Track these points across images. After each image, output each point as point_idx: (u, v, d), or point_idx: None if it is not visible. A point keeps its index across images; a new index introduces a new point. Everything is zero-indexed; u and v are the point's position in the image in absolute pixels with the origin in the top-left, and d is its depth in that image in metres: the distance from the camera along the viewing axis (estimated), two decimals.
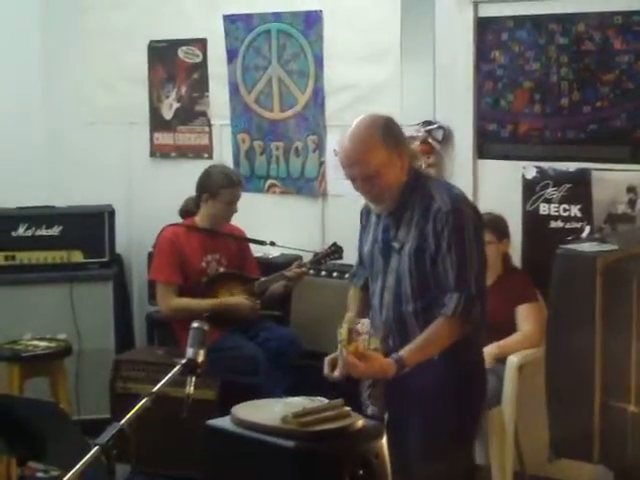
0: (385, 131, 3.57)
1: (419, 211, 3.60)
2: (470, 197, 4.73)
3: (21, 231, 6.30)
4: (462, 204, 3.60)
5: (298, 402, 3.44)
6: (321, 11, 6.01)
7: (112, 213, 6.39)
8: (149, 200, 6.72)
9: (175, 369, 3.18)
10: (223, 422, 3.43)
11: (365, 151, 3.54)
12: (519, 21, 5.42)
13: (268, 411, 3.40)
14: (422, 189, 3.63)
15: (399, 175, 3.61)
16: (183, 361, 3.19)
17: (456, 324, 3.54)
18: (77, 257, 6.32)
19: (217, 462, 3.48)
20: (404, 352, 3.50)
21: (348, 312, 3.86)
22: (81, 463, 2.79)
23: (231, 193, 5.53)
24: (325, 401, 3.45)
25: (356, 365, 3.44)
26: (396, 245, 3.65)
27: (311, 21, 6.05)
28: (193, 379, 3.19)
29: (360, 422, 3.35)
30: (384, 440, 3.38)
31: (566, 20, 5.27)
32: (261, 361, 5.34)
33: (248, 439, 3.31)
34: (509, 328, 5.10)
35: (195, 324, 3.31)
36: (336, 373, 3.53)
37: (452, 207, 3.54)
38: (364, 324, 3.44)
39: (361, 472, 3.23)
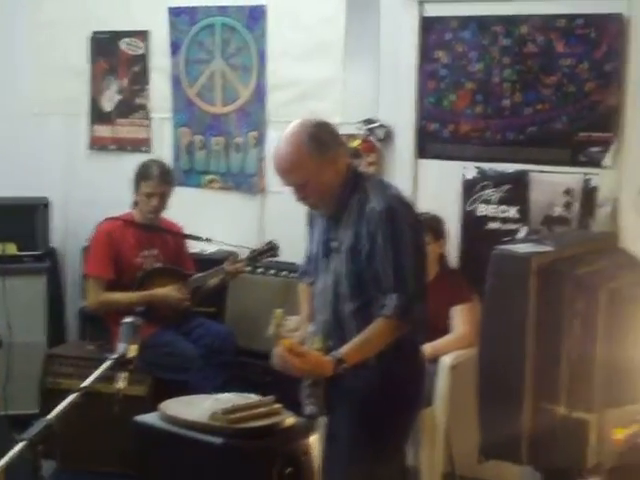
0: (313, 139, 3.56)
1: (356, 211, 3.60)
2: (410, 196, 4.74)
3: None
4: (396, 203, 3.58)
5: (228, 398, 3.43)
6: (265, 6, 5.98)
7: (47, 206, 6.30)
8: (86, 193, 6.63)
9: (106, 364, 3.15)
10: (151, 418, 3.41)
11: (293, 162, 3.56)
12: (463, 21, 5.42)
13: (197, 407, 3.38)
14: (360, 190, 3.63)
15: (333, 180, 3.61)
16: (114, 356, 3.16)
17: (396, 324, 3.52)
18: (11, 250, 6.21)
19: (145, 458, 3.46)
20: (343, 350, 3.49)
21: (301, 311, 3.88)
22: (6, 458, 2.75)
23: (147, 186, 5.46)
24: (256, 398, 3.42)
25: (288, 360, 3.41)
26: (335, 245, 3.65)
27: (255, 16, 6.01)
28: (124, 375, 3.17)
29: (290, 419, 3.34)
30: (313, 438, 3.36)
31: (510, 22, 5.29)
32: (195, 358, 5.30)
33: (176, 435, 3.29)
34: (444, 328, 5.11)
35: (127, 319, 3.27)
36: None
37: (385, 206, 3.53)
38: (294, 322, 3.41)
39: (289, 469, 3.22)
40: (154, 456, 3.41)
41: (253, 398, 3.49)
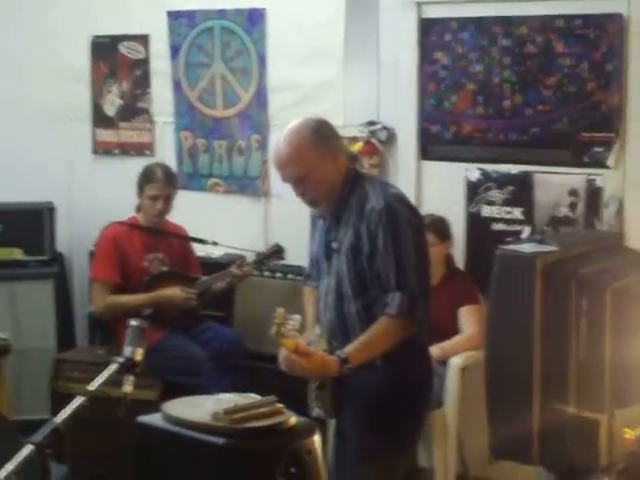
0: (314, 133, 3.59)
1: (356, 211, 3.61)
2: (413, 198, 4.75)
3: None
4: (396, 202, 3.58)
5: (230, 399, 3.42)
6: (265, 9, 5.99)
7: (52, 210, 6.31)
8: (91, 197, 6.63)
9: (112, 368, 3.13)
10: (154, 419, 3.40)
11: (294, 153, 3.57)
12: (462, 23, 5.42)
13: (199, 408, 3.37)
14: (360, 189, 3.64)
15: (332, 176, 3.63)
16: (120, 360, 3.15)
17: (400, 323, 3.52)
18: (17, 255, 6.22)
19: (148, 458, 3.44)
20: (348, 349, 3.49)
21: (307, 314, 3.89)
22: (14, 462, 2.74)
23: (152, 189, 5.46)
24: (258, 398, 3.42)
25: (295, 361, 3.42)
26: (335, 245, 3.66)
27: (255, 19, 6.02)
28: (130, 378, 3.16)
29: (292, 419, 3.33)
30: (317, 437, 3.35)
31: (509, 22, 5.28)
32: (203, 361, 5.30)
33: (178, 436, 3.28)
34: (452, 330, 5.10)
35: (133, 322, 3.26)
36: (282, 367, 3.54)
37: (385, 205, 3.54)
38: (296, 321, 3.41)
39: (293, 469, 3.21)
40: (157, 456, 3.40)
41: (255, 398, 3.49)
